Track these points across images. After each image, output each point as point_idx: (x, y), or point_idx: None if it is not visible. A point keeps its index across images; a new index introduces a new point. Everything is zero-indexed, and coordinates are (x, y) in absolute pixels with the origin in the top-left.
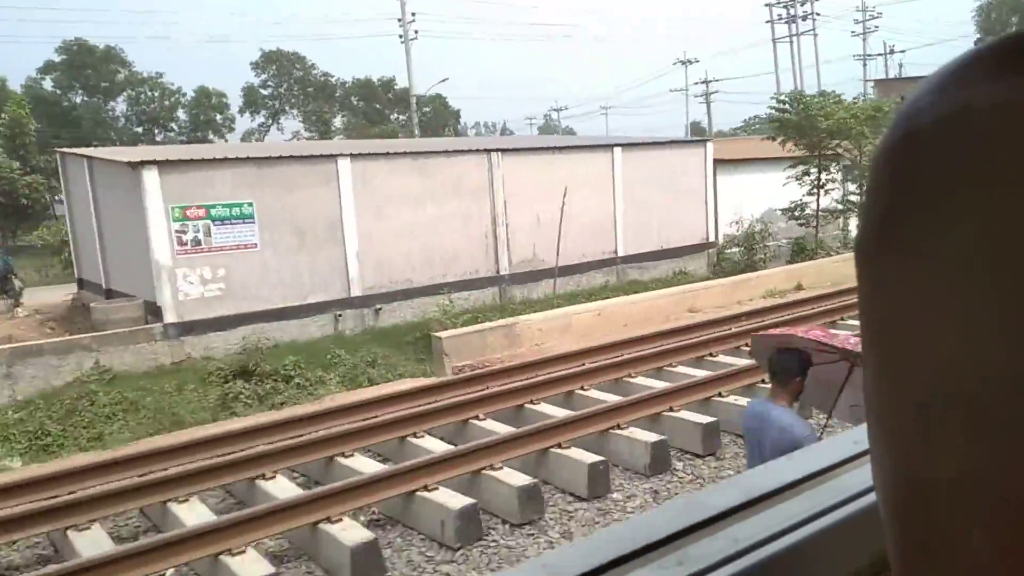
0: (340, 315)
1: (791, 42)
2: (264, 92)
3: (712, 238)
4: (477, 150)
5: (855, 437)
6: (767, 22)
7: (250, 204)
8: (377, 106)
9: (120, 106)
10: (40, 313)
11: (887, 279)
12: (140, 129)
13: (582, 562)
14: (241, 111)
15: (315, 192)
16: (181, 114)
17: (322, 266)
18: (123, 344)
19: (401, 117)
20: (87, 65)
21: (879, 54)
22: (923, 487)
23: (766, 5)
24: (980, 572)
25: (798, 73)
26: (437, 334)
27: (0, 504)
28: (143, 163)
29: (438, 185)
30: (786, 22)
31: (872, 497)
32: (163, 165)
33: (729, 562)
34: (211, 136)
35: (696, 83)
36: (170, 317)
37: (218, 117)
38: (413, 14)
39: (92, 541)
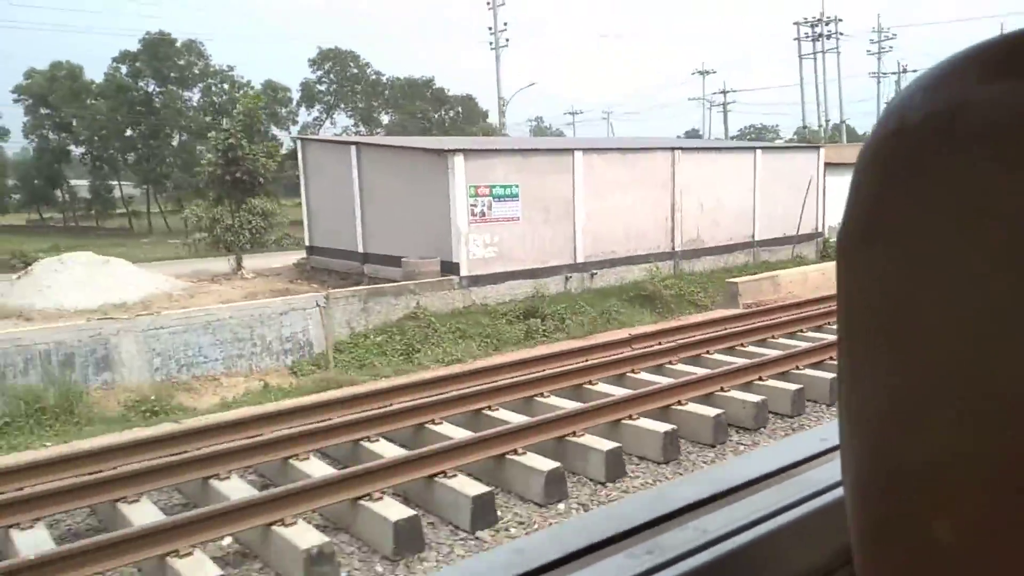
0: (569, 277)
1: (815, 59)
2: (320, 88)
3: (820, 229)
4: (665, 148)
5: (822, 435)
6: (794, 39)
7: (516, 186)
8: (418, 103)
9: (195, 96)
10: (263, 275)
11: (871, 269)
12: (208, 118)
13: (555, 549)
14: (298, 105)
15: (558, 178)
16: None
17: (558, 237)
18: (432, 291)
19: (435, 115)
20: (167, 56)
21: (893, 72)
22: (890, 472)
23: (795, 24)
24: (938, 554)
25: (822, 88)
26: (733, 279)
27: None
28: (453, 151)
29: (636, 176)
30: (812, 40)
31: (836, 494)
32: (467, 153)
33: (697, 552)
34: (272, 128)
35: (715, 93)
36: (464, 271)
37: (283, 111)
38: (505, 23)
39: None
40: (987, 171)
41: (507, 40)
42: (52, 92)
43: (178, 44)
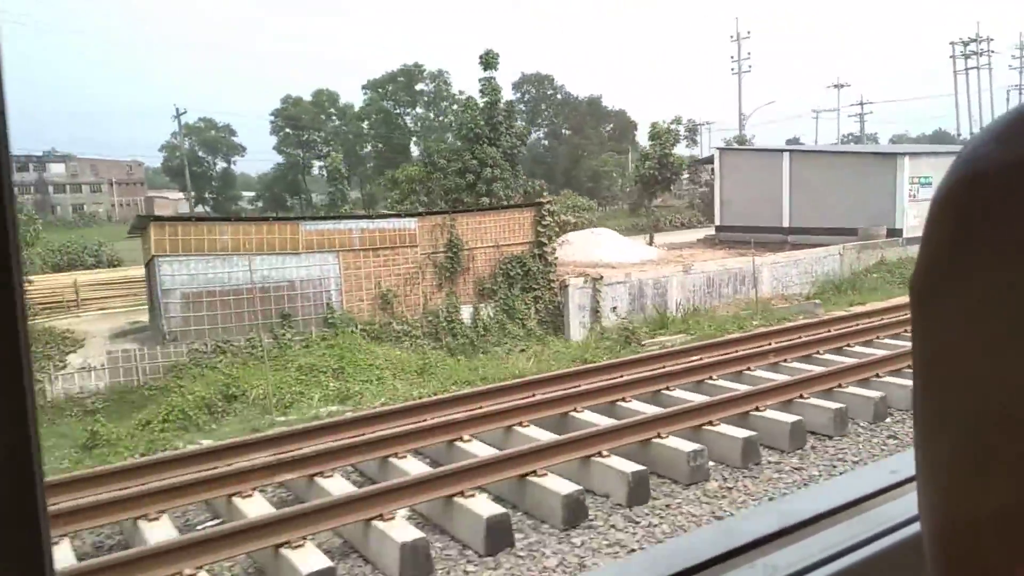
0: None
1: (967, 75)
2: (521, 107)
3: None
4: None
5: (892, 466)
6: (950, 57)
7: (931, 176)
8: (588, 121)
9: (433, 115)
10: (674, 248)
11: (946, 315)
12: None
13: None
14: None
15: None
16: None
17: None
18: (888, 248)
19: (591, 130)
20: (414, 83)
21: None
22: (967, 519)
23: (950, 43)
24: None
25: (977, 100)
26: None
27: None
28: (903, 154)
29: None
30: (964, 57)
31: (911, 530)
32: (912, 156)
33: None
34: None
35: (853, 104)
36: (906, 235)
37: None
38: (748, 53)
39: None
40: None
41: (750, 67)
42: (309, 114)
43: (425, 73)
